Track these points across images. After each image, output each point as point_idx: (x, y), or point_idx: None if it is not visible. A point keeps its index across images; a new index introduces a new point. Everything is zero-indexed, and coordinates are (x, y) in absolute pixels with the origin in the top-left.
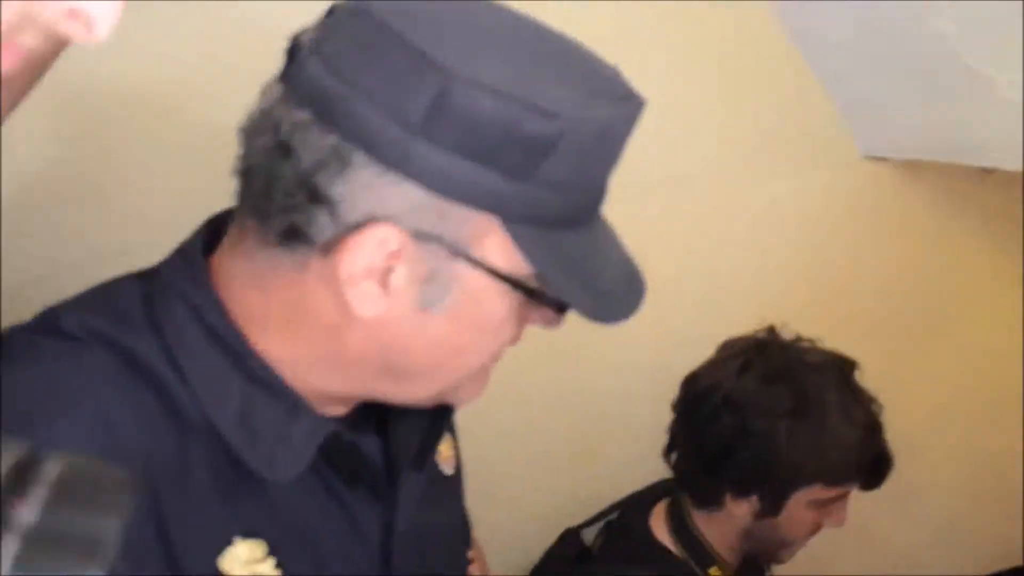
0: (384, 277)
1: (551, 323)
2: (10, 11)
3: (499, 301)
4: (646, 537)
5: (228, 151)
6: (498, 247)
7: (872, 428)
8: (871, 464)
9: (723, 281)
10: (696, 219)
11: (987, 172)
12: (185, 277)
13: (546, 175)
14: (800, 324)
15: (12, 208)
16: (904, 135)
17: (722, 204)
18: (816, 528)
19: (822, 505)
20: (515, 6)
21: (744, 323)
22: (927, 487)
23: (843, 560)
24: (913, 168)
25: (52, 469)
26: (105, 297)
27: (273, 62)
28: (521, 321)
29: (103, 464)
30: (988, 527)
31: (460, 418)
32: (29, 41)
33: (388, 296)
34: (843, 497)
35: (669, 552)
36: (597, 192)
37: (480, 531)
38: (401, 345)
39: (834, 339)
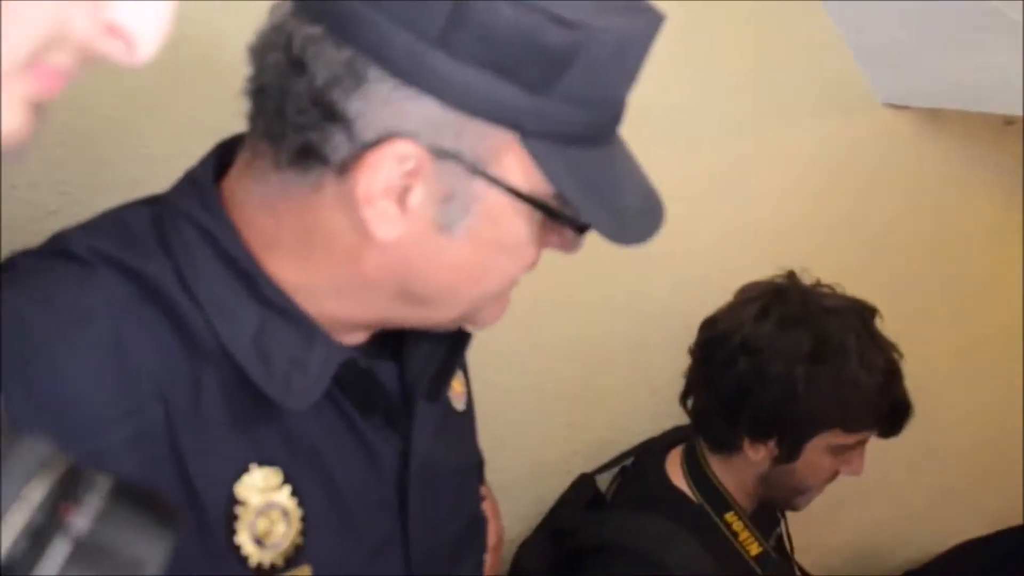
0: (402, 196)
1: (570, 246)
2: (38, 25)
3: (519, 221)
4: (661, 482)
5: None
6: (517, 165)
7: (891, 374)
8: (890, 411)
9: (740, 227)
10: (714, 165)
11: (1008, 122)
12: (195, 201)
13: (565, 89)
14: (817, 271)
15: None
16: (924, 83)
17: (740, 150)
18: (833, 475)
19: (840, 452)
20: None
21: (761, 270)
22: (942, 440)
23: (856, 514)
24: (933, 116)
25: (105, 481)
26: (114, 222)
27: None
28: (540, 244)
29: (152, 487)
30: (1005, 483)
31: (472, 360)
32: (63, 60)
33: (406, 216)
34: (861, 444)
35: (685, 496)
36: (616, 108)
37: (492, 475)
38: (419, 268)
39: (850, 286)
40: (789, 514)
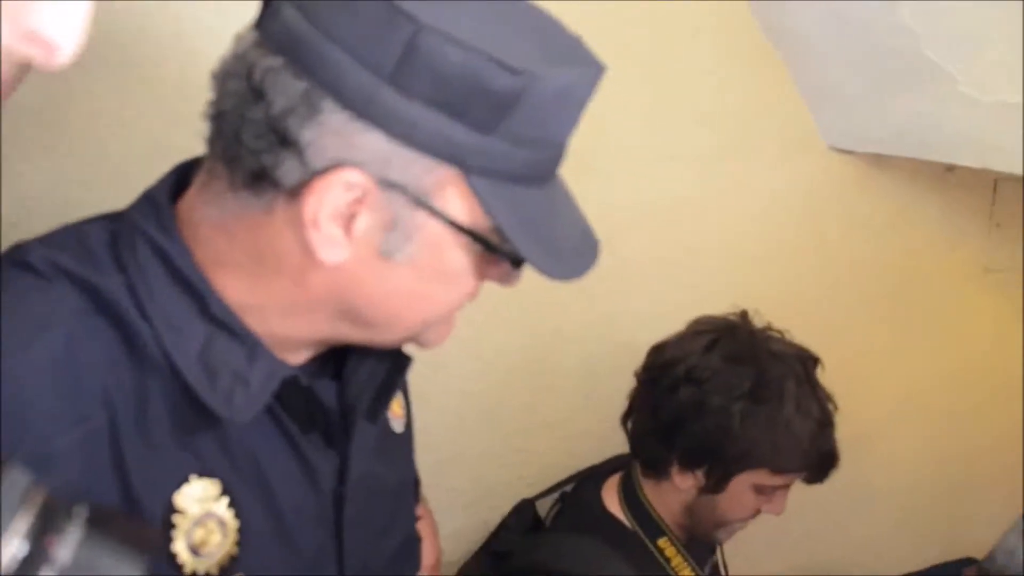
0: (348, 222)
1: (507, 279)
2: None
3: (458, 252)
4: (597, 507)
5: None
6: (459, 199)
7: (824, 424)
8: (818, 459)
9: (690, 265)
10: (666, 202)
11: (949, 169)
12: (151, 220)
13: (508, 130)
14: (765, 310)
15: (11, 212)
16: (869, 129)
17: (692, 187)
18: (755, 513)
19: (764, 491)
20: None
21: (709, 307)
22: (885, 477)
23: (796, 546)
24: (877, 161)
25: (82, 511)
26: (73, 236)
27: None
28: (479, 275)
29: (127, 515)
30: (945, 521)
31: (420, 382)
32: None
33: (351, 241)
34: (786, 486)
35: (618, 522)
36: (557, 150)
37: (437, 496)
38: (361, 292)
39: (798, 327)
40: (727, 546)
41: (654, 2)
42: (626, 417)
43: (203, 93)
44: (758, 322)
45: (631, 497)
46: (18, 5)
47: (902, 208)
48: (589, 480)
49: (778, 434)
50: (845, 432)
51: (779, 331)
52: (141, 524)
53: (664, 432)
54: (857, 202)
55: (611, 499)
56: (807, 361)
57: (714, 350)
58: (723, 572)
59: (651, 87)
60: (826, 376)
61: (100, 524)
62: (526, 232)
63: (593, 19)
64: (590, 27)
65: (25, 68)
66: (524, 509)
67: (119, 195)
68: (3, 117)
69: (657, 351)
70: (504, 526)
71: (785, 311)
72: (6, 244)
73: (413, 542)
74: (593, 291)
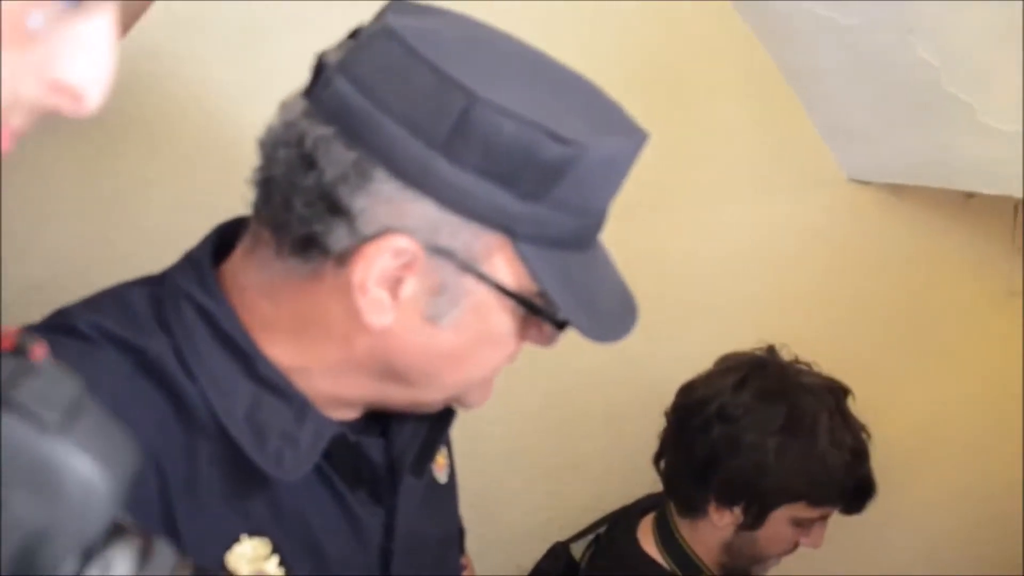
0: (395, 287)
1: (548, 340)
2: None
3: (503, 316)
4: (633, 549)
5: (232, 162)
6: (505, 264)
7: (859, 455)
8: (854, 489)
9: (711, 301)
10: (686, 240)
11: (969, 196)
12: (194, 282)
13: (556, 198)
14: (788, 342)
15: (13, 214)
16: (888, 160)
17: (711, 225)
18: (793, 547)
19: (802, 524)
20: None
21: (734, 345)
22: (914, 508)
23: None
24: (897, 191)
25: None
26: (115, 300)
27: (286, 77)
28: (521, 337)
29: None
30: (979, 552)
31: (453, 431)
32: (17, 121)
33: (398, 305)
34: (824, 519)
35: (656, 563)
36: (600, 217)
37: (470, 542)
38: (406, 355)
39: (824, 360)
40: None
41: (668, 35)
42: (658, 457)
43: (221, 152)
44: (786, 355)
45: (667, 537)
46: (40, 55)
47: (924, 236)
48: (622, 521)
49: (814, 467)
50: (873, 464)
51: (807, 363)
52: None
53: (699, 471)
54: (879, 232)
55: (646, 540)
56: (838, 392)
57: (745, 387)
58: None
59: (670, 133)
60: (853, 408)
61: None
62: (570, 296)
63: (601, 55)
64: (609, 79)
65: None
66: (558, 553)
67: (141, 252)
68: (27, 175)
69: (687, 390)
70: (539, 571)
71: (811, 344)
72: (33, 304)
73: None
74: None
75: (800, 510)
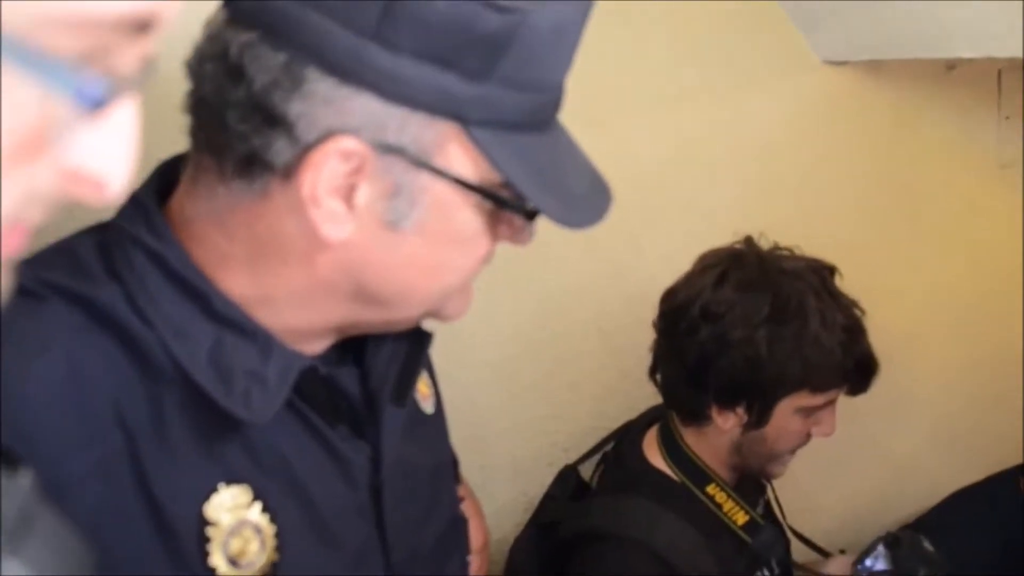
0: (349, 195)
1: (521, 235)
2: (12, 197)
3: (468, 212)
4: (640, 463)
5: None
6: (462, 155)
7: (853, 331)
8: (855, 368)
9: (694, 204)
10: (660, 141)
11: (950, 67)
12: (140, 224)
13: (504, 74)
14: (780, 235)
15: None
16: (861, 36)
17: (687, 124)
18: (805, 438)
19: (809, 413)
20: None
21: (717, 241)
22: (919, 390)
23: (843, 472)
24: (874, 69)
25: None
26: (61, 252)
27: None
28: (492, 235)
29: None
30: (986, 427)
31: (439, 362)
32: (36, 216)
33: (354, 215)
34: (830, 404)
35: (664, 475)
36: (556, 92)
37: (472, 475)
38: (372, 267)
39: (812, 247)
40: (776, 480)
41: None
42: (653, 370)
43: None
44: (764, 244)
45: (673, 448)
46: (57, 144)
47: (906, 114)
48: (627, 437)
49: (808, 351)
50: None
51: (788, 248)
52: None
53: (693, 376)
54: (859, 113)
55: (653, 453)
56: (822, 271)
57: (725, 282)
58: (777, 508)
59: (632, 29)
60: (847, 291)
61: None
62: (536, 182)
63: None
64: None
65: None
66: (567, 476)
67: (102, 215)
68: None
69: (669, 296)
70: (549, 496)
71: (799, 235)
72: None
73: (459, 523)
74: (599, 245)
75: (804, 398)
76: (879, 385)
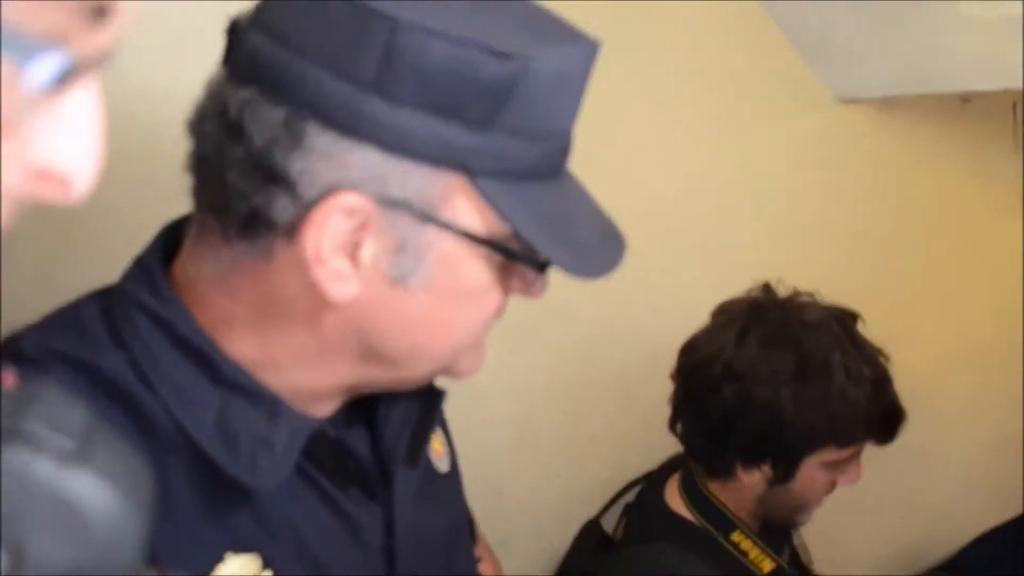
0: (354, 252)
1: (532, 288)
2: None
3: (477, 266)
4: (662, 511)
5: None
6: (468, 207)
7: (880, 383)
8: (882, 419)
9: (711, 248)
10: (676, 189)
11: (965, 100)
12: (144, 287)
13: (508, 122)
14: (796, 276)
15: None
16: (875, 73)
17: (698, 166)
18: (831, 488)
19: (836, 466)
20: None
21: (731, 284)
22: (947, 434)
23: (873, 520)
24: (888, 106)
25: None
26: (64, 318)
27: None
28: (503, 288)
29: None
30: (1017, 468)
31: (453, 419)
32: (3, 216)
33: (360, 272)
34: (857, 455)
35: (687, 522)
36: (563, 140)
37: (490, 532)
38: (380, 326)
39: (829, 288)
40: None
41: None
42: (673, 422)
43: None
44: (783, 290)
45: (695, 495)
46: (21, 139)
47: (922, 150)
48: (649, 486)
49: (834, 408)
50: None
51: (808, 295)
52: None
53: (716, 434)
54: (874, 151)
55: (675, 501)
56: (846, 321)
57: (747, 339)
58: (805, 555)
59: (643, 67)
60: (868, 335)
61: None
62: (546, 232)
63: (578, 9)
64: (575, 16)
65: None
66: (590, 529)
67: (107, 275)
68: None
69: (689, 350)
70: (575, 550)
71: (815, 276)
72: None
73: None
74: (615, 294)
75: (830, 454)
76: (906, 430)
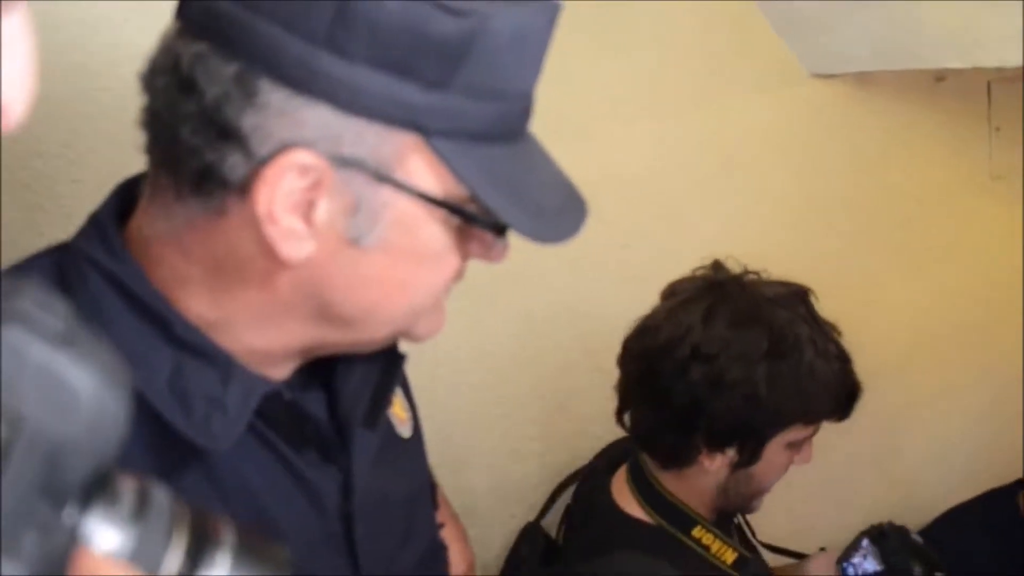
0: (308, 212)
1: (491, 252)
2: None
3: (434, 228)
4: (613, 514)
5: None
6: (424, 167)
7: (844, 360)
8: (847, 395)
9: (680, 219)
10: (645, 154)
11: (939, 79)
12: (98, 245)
13: (464, 82)
14: (765, 249)
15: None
16: (849, 47)
17: (671, 140)
18: (785, 469)
19: (796, 445)
20: None
21: (704, 253)
22: (917, 406)
23: (841, 491)
24: (863, 81)
25: (229, 535)
26: (15, 274)
27: None
28: (461, 252)
29: (265, 537)
30: (987, 441)
31: (424, 385)
32: None
33: (314, 232)
34: (813, 434)
35: (643, 523)
36: (523, 101)
37: (459, 499)
38: (335, 287)
39: (802, 262)
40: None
41: None
42: (620, 413)
43: None
44: (732, 267)
45: (649, 493)
46: None
47: (895, 126)
48: (590, 485)
49: (806, 385)
50: (867, 367)
51: (755, 272)
52: (273, 543)
53: (681, 419)
54: (848, 127)
55: (625, 500)
56: (804, 296)
57: (714, 318)
58: (746, 527)
59: (617, 39)
60: (837, 312)
61: (246, 550)
62: (503, 194)
63: None
64: None
65: None
66: (532, 534)
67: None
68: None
69: (645, 333)
70: (518, 558)
71: (788, 251)
72: None
73: (438, 550)
74: (582, 263)
75: (796, 432)
76: (876, 402)
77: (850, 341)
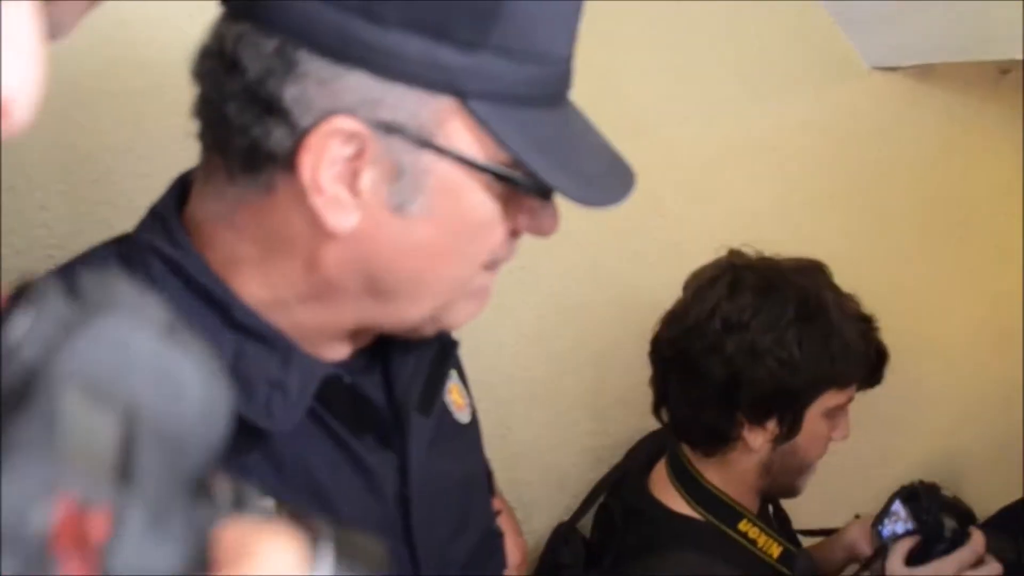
0: (352, 182)
1: (540, 223)
2: None
3: (478, 194)
4: (658, 512)
5: None
6: (464, 131)
7: (867, 320)
8: (875, 358)
9: (737, 207)
10: (706, 151)
11: (1004, 71)
12: (159, 234)
13: (498, 43)
14: (823, 244)
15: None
16: (911, 40)
17: (731, 133)
18: (827, 444)
19: (833, 415)
20: None
21: (763, 246)
22: (978, 407)
23: (851, 487)
24: (924, 75)
25: (329, 531)
26: (79, 264)
27: None
28: (507, 222)
29: (363, 532)
30: (991, 439)
31: (483, 379)
32: None
33: (359, 201)
34: (847, 404)
35: (690, 520)
36: (561, 66)
37: (514, 492)
38: (381, 257)
39: (861, 261)
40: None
41: None
42: (658, 406)
43: None
44: (750, 252)
45: (693, 488)
46: None
47: (958, 120)
48: (630, 483)
49: (836, 345)
50: (924, 369)
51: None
52: (371, 541)
53: (722, 396)
54: (909, 121)
55: (668, 496)
56: (822, 267)
57: (740, 289)
58: (784, 517)
59: (676, 34)
60: (897, 311)
61: (346, 545)
62: (546, 157)
63: None
64: None
65: None
66: (571, 537)
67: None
68: (19, 167)
69: (676, 319)
70: (553, 559)
71: (848, 247)
72: None
73: (494, 538)
74: (644, 252)
75: (831, 398)
76: (929, 403)
77: (907, 341)
